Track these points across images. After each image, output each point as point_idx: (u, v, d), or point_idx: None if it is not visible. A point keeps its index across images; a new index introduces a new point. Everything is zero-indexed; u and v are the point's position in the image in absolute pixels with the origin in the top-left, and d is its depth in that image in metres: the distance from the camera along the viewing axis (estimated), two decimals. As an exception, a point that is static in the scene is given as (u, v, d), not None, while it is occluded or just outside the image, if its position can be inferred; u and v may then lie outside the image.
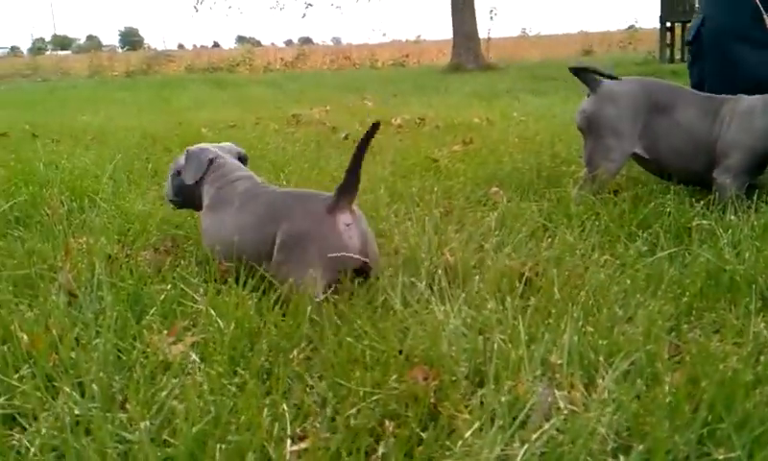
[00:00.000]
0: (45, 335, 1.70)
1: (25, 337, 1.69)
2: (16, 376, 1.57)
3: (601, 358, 1.58)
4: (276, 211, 2.02)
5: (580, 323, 1.69)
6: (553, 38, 29.77)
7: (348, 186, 1.97)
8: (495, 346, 1.58)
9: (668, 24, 14.73)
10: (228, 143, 2.53)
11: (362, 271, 2.02)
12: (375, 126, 1.95)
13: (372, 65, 21.30)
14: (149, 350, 1.67)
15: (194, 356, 1.66)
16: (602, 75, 3.04)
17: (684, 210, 2.61)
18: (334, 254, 1.91)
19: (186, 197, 2.43)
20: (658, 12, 14.77)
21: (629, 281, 2.00)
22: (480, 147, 4.46)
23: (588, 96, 3.02)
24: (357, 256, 1.95)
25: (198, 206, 2.41)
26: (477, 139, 4.85)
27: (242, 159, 2.46)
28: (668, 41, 14.84)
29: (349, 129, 5.75)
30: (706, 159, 2.81)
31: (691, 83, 3.53)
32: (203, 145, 2.42)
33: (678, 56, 14.72)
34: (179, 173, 2.40)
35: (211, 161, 2.32)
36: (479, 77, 13.41)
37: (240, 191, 2.18)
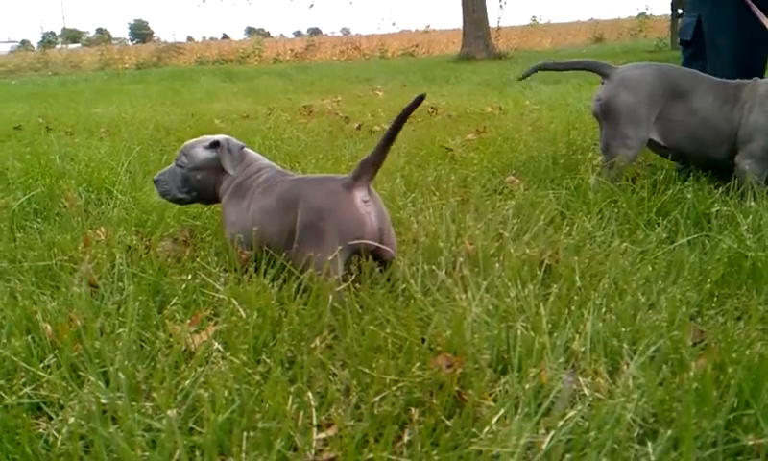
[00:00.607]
0: (68, 325, 1.71)
1: (49, 327, 1.70)
2: (41, 365, 1.58)
3: (625, 345, 1.57)
4: (296, 194, 2.01)
5: (603, 310, 1.68)
6: (563, 26, 29.57)
7: (373, 160, 1.97)
8: (519, 333, 1.58)
9: (679, 11, 14.59)
10: (223, 135, 2.37)
11: (379, 254, 2.02)
12: (419, 99, 1.95)
13: (382, 55, 21.24)
14: (172, 339, 1.67)
15: (217, 345, 1.66)
16: (548, 68, 3.27)
17: (703, 197, 2.60)
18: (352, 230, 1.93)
19: (200, 190, 2.35)
20: (668, 0, 14.65)
21: (650, 268, 1.99)
22: (494, 136, 4.45)
23: (603, 83, 3.00)
24: (374, 228, 1.96)
25: (210, 200, 2.38)
26: (490, 128, 4.84)
27: None
28: (679, 28, 14.72)
29: (361, 119, 5.75)
30: (725, 145, 2.79)
31: None
32: (210, 137, 2.34)
33: (689, 43, 14.62)
34: (180, 166, 2.32)
35: (241, 149, 2.30)
36: (490, 66, 13.36)
37: (262, 179, 2.18)
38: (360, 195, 1.95)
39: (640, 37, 21.74)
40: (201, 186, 2.34)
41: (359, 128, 5.21)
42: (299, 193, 2.01)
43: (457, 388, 1.44)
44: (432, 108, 6.29)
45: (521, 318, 1.68)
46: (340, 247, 1.89)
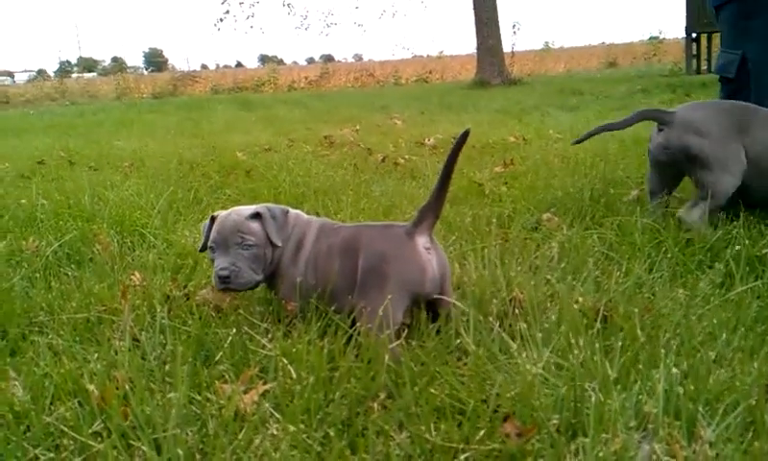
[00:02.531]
0: (114, 387, 1.66)
1: (95, 390, 1.64)
2: (90, 431, 1.52)
3: (700, 408, 1.49)
4: (359, 239, 1.96)
5: (672, 369, 1.61)
6: (576, 51, 29.66)
7: (433, 206, 1.92)
8: (590, 397, 1.50)
9: (693, 35, 14.56)
10: (263, 205, 2.17)
11: (437, 304, 1.96)
12: (466, 134, 1.89)
13: (396, 82, 21.33)
14: (222, 402, 1.61)
15: (268, 406, 1.60)
16: (605, 130, 3.12)
17: (754, 237, 2.52)
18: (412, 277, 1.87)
19: (267, 264, 2.11)
20: (682, 23, 14.62)
21: (714, 320, 1.90)
22: (523, 169, 4.40)
23: (662, 129, 2.90)
24: (436, 276, 1.90)
25: (271, 275, 2.15)
26: (517, 160, 4.79)
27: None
28: (694, 52, 14.67)
29: (384, 150, 5.72)
30: None
31: None
32: (248, 208, 2.13)
33: (704, 66, 14.58)
34: (248, 246, 2.05)
35: (286, 214, 2.15)
36: (505, 92, 13.35)
37: (315, 228, 2.12)
38: (422, 242, 1.90)
39: (654, 61, 21.70)
40: (269, 259, 2.10)
41: (383, 160, 5.16)
42: (361, 238, 1.96)
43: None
44: (454, 137, 6.20)
45: (587, 377, 1.60)
46: (399, 295, 1.83)
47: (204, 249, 2.15)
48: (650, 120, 2.98)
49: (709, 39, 14.81)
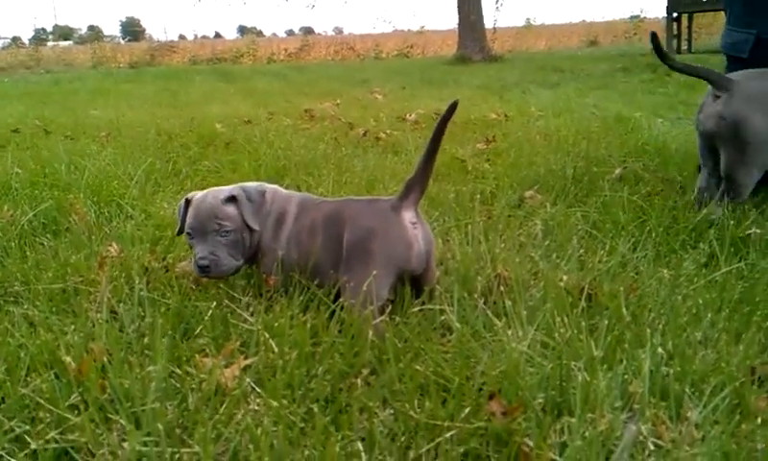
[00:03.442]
0: (91, 359, 1.62)
1: (71, 362, 1.61)
2: (67, 404, 1.49)
3: (686, 389, 1.49)
4: (344, 213, 1.93)
5: (658, 349, 1.60)
6: (557, 28, 29.58)
7: (419, 179, 1.89)
8: (576, 376, 1.49)
9: (674, 15, 14.58)
10: (237, 186, 2.10)
11: (422, 280, 1.94)
12: (453, 106, 1.89)
13: (377, 56, 21.17)
14: (203, 376, 1.58)
15: (249, 381, 1.57)
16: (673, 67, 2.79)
17: (737, 217, 2.52)
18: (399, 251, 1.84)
19: (246, 247, 2.05)
20: (663, 3, 14.63)
21: (699, 301, 1.90)
22: (505, 146, 4.38)
23: (718, 96, 2.66)
24: (422, 252, 1.88)
25: (253, 254, 2.09)
26: (499, 137, 4.76)
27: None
28: (675, 32, 14.68)
29: (365, 125, 5.67)
30: None
31: None
32: (221, 189, 2.07)
33: (684, 47, 14.62)
34: (226, 232, 1.98)
35: (263, 195, 2.09)
36: (486, 69, 13.30)
37: (296, 203, 2.07)
38: (408, 216, 1.87)
39: (635, 40, 21.70)
40: (248, 242, 2.05)
41: (365, 135, 5.11)
42: (346, 212, 1.92)
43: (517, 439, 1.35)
44: (435, 113, 6.21)
45: (573, 356, 1.59)
46: (385, 270, 1.81)
47: (180, 233, 2.10)
48: (707, 80, 2.70)
49: (690, 19, 14.85)
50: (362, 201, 2.00)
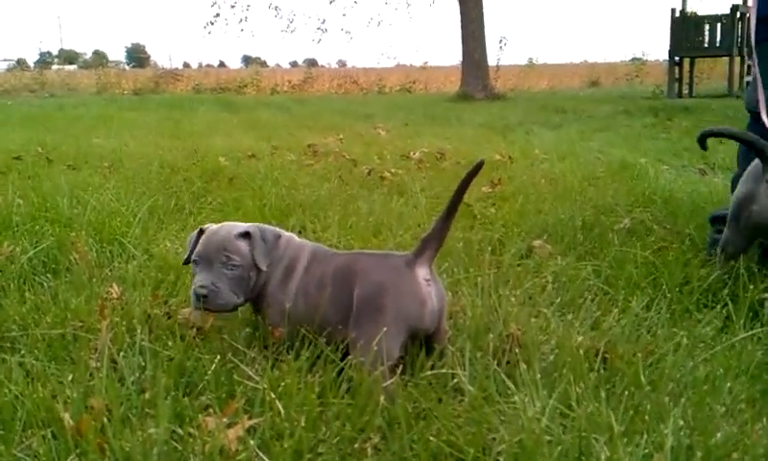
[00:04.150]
0: (90, 417, 1.55)
1: (70, 420, 1.54)
2: (63, 467, 1.42)
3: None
4: (355, 267, 1.87)
5: (680, 423, 1.54)
6: (559, 68, 29.81)
7: (436, 236, 1.87)
8: (596, 450, 1.43)
9: (677, 58, 14.68)
10: (254, 224, 2.07)
11: (434, 339, 1.88)
12: (479, 166, 1.88)
13: (380, 90, 21.27)
14: (206, 438, 1.52)
15: (254, 444, 1.51)
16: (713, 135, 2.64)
17: (753, 280, 2.46)
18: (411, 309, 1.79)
19: (249, 288, 2.00)
20: (665, 46, 14.74)
21: (720, 369, 1.84)
22: (511, 190, 4.34)
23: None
24: (435, 310, 1.83)
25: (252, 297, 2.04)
26: (504, 180, 4.72)
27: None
28: (677, 76, 14.78)
29: (369, 162, 5.63)
30: None
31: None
32: (237, 225, 2.04)
33: (686, 90, 14.71)
34: (233, 266, 1.94)
35: (278, 238, 2.04)
36: (489, 107, 13.35)
37: (308, 253, 2.02)
38: (423, 273, 1.83)
39: (636, 83, 21.84)
40: (253, 282, 2.00)
41: (369, 174, 5.07)
42: (357, 266, 1.87)
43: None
44: (439, 153, 6.20)
45: (592, 428, 1.53)
46: (397, 328, 1.76)
47: (188, 262, 2.06)
48: (753, 149, 2.45)
49: (692, 64, 14.95)
50: (374, 255, 1.96)
